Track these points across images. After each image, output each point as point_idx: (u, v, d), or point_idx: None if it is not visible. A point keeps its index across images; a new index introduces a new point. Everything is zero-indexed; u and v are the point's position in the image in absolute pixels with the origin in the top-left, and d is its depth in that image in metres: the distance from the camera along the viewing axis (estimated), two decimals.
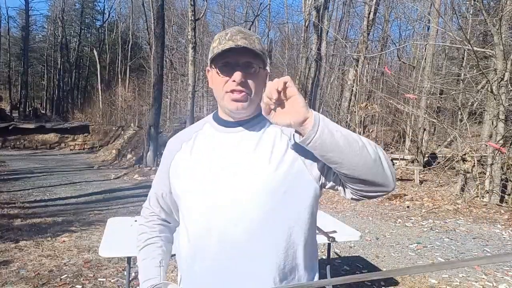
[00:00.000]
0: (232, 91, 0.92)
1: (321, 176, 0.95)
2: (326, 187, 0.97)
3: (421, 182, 8.62)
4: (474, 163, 7.19)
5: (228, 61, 0.93)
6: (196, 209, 0.95)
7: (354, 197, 0.93)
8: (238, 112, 0.95)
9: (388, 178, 0.87)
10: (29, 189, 7.46)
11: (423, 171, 9.59)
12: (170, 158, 1.05)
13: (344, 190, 0.94)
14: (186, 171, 0.99)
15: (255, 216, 0.90)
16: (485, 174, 6.98)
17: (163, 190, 1.08)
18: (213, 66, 0.97)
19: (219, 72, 0.94)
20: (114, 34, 33.86)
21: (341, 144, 0.83)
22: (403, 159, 10.83)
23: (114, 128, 19.05)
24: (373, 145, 0.87)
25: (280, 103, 0.84)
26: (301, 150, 0.91)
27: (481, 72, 7.04)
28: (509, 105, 6.61)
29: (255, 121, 0.99)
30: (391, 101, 9.20)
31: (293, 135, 0.88)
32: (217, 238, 0.91)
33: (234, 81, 0.92)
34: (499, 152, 6.42)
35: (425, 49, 12.06)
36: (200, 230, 0.93)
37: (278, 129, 0.96)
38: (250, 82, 0.93)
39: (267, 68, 1.00)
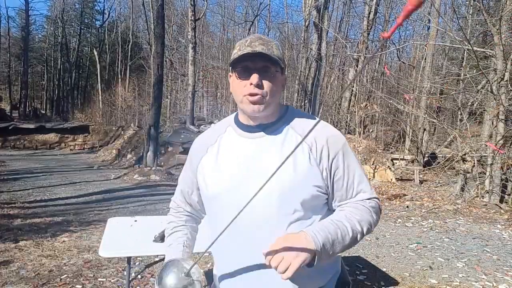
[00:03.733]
0: (250, 94, 0.97)
1: (329, 187, 1.04)
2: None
3: (421, 182, 8.62)
4: (474, 163, 7.19)
5: (246, 65, 0.98)
6: (224, 212, 1.02)
7: None
8: (255, 114, 1.01)
9: (363, 231, 1.01)
10: (29, 189, 7.46)
11: (423, 171, 9.59)
12: (197, 160, 1.12)
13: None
14: (212, 177, 1.06)
15: (279, 220, 0.97)
16: (485, 174, 6.98)
17: (190, 188, 1.17)
18: (232, 71, 1.02)
19: (237, 76, 1.00)
20: (114, 34, 33.86)
21: (337, 253, 0.96)
22: (403, 159, 10.83)
23: (114, 128, 19.06)
24: (359, 231, 0.99)
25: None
26: (323, 160, 1.00)
27: (481, 72, 7.04)
28: (509, 105, 6.61)
29: (276, 125, 1.04)
30: (391, 101, 9.20)
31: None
32: (243, 240, 1.00)
33: (251, 84, 0.97)
34: (498, 152, 6.42)
35: (425, 49, 12.06)
36: (227, 232, 0.95)
37: (298, 136, 1.01)
38: (266, 84, 0.98)
39: (285, 73, 1.06)
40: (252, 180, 0.98)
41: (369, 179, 1.09)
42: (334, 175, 1.01)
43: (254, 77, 0.96)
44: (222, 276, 1.11)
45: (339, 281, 1.10)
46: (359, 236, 0.99)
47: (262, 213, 0.97)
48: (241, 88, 0.99)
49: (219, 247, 1.06)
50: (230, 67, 1.03)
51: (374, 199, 1.05)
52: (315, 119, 1.06)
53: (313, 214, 1.01)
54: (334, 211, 1.07)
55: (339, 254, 1.02)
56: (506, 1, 6.76)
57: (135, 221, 2.72)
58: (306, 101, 17.50)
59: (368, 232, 1.02)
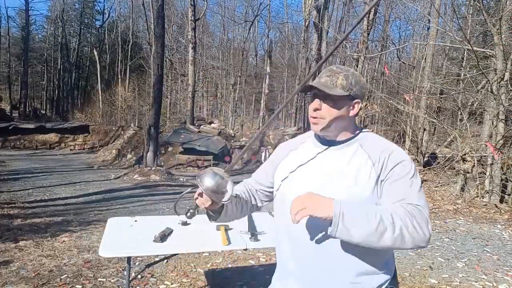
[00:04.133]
0: (311, 116, 1.19)
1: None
2: None
3: (421, 182, 8.61)
4: (474, 163, 7.19)
5: (313, 92, 1.18)
6: (284, 207, 1.17)
7: None
8: (316, 133, 1.22)
9: (413, 246, 1.03)
10: (29, 189, 7.45)
11: (423, 171, 9.59)
12: (278, 161, 1.32)
13: None
14: (286, 178, 1.24)
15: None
16: (485, 174, 6.97)
17: (262, 181, 1.39)
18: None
19: (308, 100, 1.23)
20: (114, 34, 33.84)
21: (356, 239, 1.01)
22: None
23: (114, 128, 19.04)
24: (397, 227, 1.00)
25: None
26: (381, 176, 1.11)
27: (481, 72, 7.04)
28: (509, 105, 6.61)
29: (346, 143, 1.20)
30: (391, 101, 9.20)
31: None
32: (299, 245, 1.16)
33: (312, 108, 1.18)
34: (498, 152, 6.42)
35: (425, 49, 12.06)
36: (293, 230, 1.15)
37: (366, 155, 1.15)
38: (324, 109, 1.16)
39: (358, 99, 1.19)
40: (316, 185, 1.13)
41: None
42: (386, 183, 1.10)
43: (314, 103, 1.17)
44: (278, 276, 1.28)
45: (388, 286, 1.16)
46: (389, 228, 0.98)
47: (318, 223, 1.06)
48: (309, 110, 1.19)
49: (278, 244, 1.27)
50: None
51: (419, 206, 1.06)
52: (389, 142, 1.21)
53: None
54: None
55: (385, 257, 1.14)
56: (506, 1, 6.76)
57: (135, 221, 2.72)
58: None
59: (402, 234, 0.99)
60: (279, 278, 1.28)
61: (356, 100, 1.18)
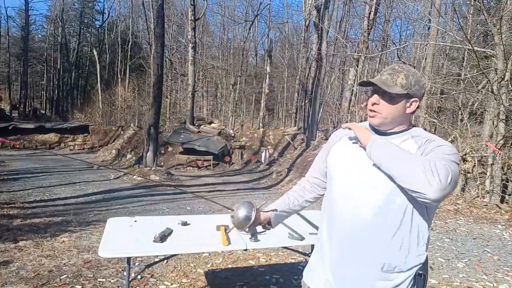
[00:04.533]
0: (369, 109, 1.28)
1: None
2: None
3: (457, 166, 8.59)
4: (475, 163, 7.18)
5: (374, 88, 1.26)
6: (333, 192, 1.31)
7: None
8: (373, 125, 1.30)
9: (426, 189, 1.09)
10: (28, 189, 7.44)
11: None
12: (331, 144, 1.43)
13: None
14: (336, 160, 1.35)
15: (373, 207, 1.20)
16: (486, 174, 6.96)
17: (317, 164, 1.51)
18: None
19: (368, 95, 1.32)
20: (113, 34, 33.84)
21: (385, 162, 1.17)
22: None
23: (113, 128, 19.04)
24: (422, 160, 1.13)
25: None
26: (424, 154, 1.21)
27: (481, 72, 7.03)
28: (509, 105, 6.60)
29: (396, 135, 1.28)
30: None
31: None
32: (345, 213, 1.26)
33: (371, 102, 1.27)
34: (498, 152, 6.41)
35: (426, 49, 12.05)
36: (334, 204, 1.29)
37: (413, 141, 1.24)
38: (382, 104, 1.24)
39: (417, 97, 1.26)
40: (355, 169, 1.26)
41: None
42: (424, 154, 1.19)
43: (373, 98, 1.25)
44: (317, 255, 1.38)
45: (418, 271, 1.24)
46: (423, 165, 1.09)
47: (356, 206, 1.22)
48: (368, 103, 1.29)
49: (322, 230, 1.37)
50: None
51: (448, 164, 1.13)
52: (434, 135, 1.29)
53: (400, 198, 1.19)
54: None
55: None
56: (507, 1, 6.75)
57: (135, 221, 2.70)
58: (306, 101, 17.50)
59: (424, 166, 1.09)
60: (315, 257, 1.40)
61: (414, 99, 1.24)
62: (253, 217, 1.46)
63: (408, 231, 1.19)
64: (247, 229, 1.41)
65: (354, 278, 1.23)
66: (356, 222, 1.22)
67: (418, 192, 1.09)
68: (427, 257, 1.28)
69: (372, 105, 1.26)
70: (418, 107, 1.27)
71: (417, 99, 1.25)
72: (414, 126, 1.32)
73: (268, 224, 1.50)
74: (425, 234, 1.24)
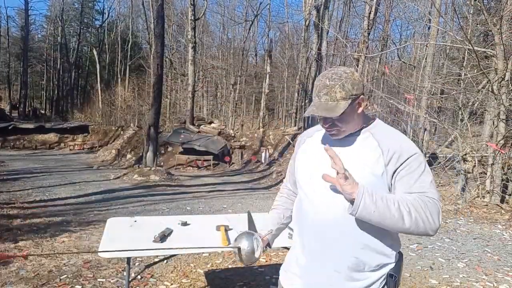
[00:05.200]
0: (326, 130, 1.25)
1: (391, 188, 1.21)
2: None
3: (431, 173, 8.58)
4: (475, 163, 7.17)
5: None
6: (302, 194, 1.30)
7: None
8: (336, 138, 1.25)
9: (425, 234, 1.13)
10: (28, 189, 7.44)
11: None
12: (298, 147, 1.41)
13: None
14: (303, 164, 1.33)
15: (340, 208, 1.17)
16: (486, 174, 6.96)
17: (291, 170, 1.47)
18: None
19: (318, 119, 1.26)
20: (113, 33, 33.83)
21: (376, 221, 1.10)
22: None
23: (113, 128, 19.04)
24: (413, 216, 1.09)
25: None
26: (390, 165, 1.17)
27: (481, 72, 7.02)
28: (509, 105, 6.59)
29: (356, 133, 1.25)
30: (391, 101, 9.18)
31: (350, 206, 1.13)
32: (314, 214, 1.23)
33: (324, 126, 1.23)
34: (499, 152, 6.41)
35: (426, 49, 12.05)
36: (304, 205, 1.28)
37: (375, 143, 1.20)
38: (338, 122, 1.20)
39: (360, 96, 1.21)
40: (320, 171, 1.19)
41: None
42: (398, 175, 1.15)
43: (325, 125, 1.22)
44: (289, 264, 1.37)
45: (388, 273, 1.24)
46: (405, 214, 1.08)
47: (331, 210, 1.19)
48: (320, 123, 1.26)
49: (295, 229, 1.36)
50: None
51: (434, 199, 1.13)
52: (399, 132, 1.26)
53: None
54: None
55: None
56: (507, 1, 6.74)
57: (135, 221, 2.70)
58: (306, 101, 17.50)
59: (417, 223, 1.08)
60: (289, 256, 1.39)
61: (359, 99, 1.21)
62: (259, 249, 1.37)
63: (375, 230, 1.16)
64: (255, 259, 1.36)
65: (324, 282, 1.22)
66: (324, 224, 1.20)
67: (418, 235, 1.13)
68: (400, 258, 1.27)
69: (328, 128, 1.22)
70: (367, 99, 1.26)
71: (362, 97, 1.21)
72: (368, 118, 1.28)
73: (267, 246, 1.48)
74: (394, 233, 1.23)
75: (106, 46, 33.38)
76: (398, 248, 1.27)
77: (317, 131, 1.36)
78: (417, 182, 1.14)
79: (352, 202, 1.09)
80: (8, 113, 25.61)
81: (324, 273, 1.22)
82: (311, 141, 1.36)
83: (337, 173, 1.09)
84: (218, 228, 2.49)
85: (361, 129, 1.24)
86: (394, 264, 1.25)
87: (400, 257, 1.28)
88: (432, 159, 10.38)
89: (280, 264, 1.45)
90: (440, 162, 8.78)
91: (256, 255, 1.34)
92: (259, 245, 1.36)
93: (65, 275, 3.24)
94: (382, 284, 1.22)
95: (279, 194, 1.57)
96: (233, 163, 14.05)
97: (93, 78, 33.91)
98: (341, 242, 1.19)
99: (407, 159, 1.15)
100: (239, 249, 1.34)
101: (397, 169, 1.15)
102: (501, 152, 6.39)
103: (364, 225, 1.15)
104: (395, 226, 1.10)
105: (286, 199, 1.52)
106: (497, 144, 6.42)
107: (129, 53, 29.36)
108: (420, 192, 1.13)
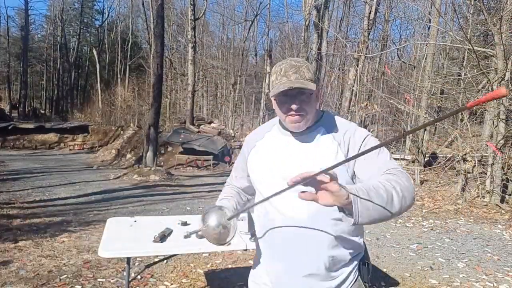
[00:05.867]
0: (291, 114, 1.16)
1: (353, 180, 1.18)
2: None
3: (421, 182, 8.61)
4: (475, 163, 7.18)
5: (285, 93, 1.15)
6: (264, 193, 1.22)
7: None
8: (298, 130, 1.20)
9: (410, 203, 1.06)
10: (28, 189, 7.44)
11: (424, 171, 9.58)
12: (247, 152, 1.35)
13: None
14: (259, 166, 1.28)
15: (307, 209, 1.14)
16: (486, 174, 6.96)
17: (239, 173, 1.43)
18: (273, 98, 1.19)
19: (278, 103, 1.18)
20: (113, 33, 33.83)
21: (374, 217, 0.99)
22: (403, 159, 10.81)
23: (113, 128, 19.03)
24: (399, 193, 1.01)
25: (318, 186, 0.92)
26: (346, 154, 1.16)
27: (481, 72, 7.02)
28: (509, 105, 6.59)
29: (312, 128, 1.22)
30: (391, 101, 9.19)
31: (344, 217, 0.99)
32: (281, 219, 1.19)
33: (291, 109, 1.15)
34: (496, 154, 6.41)
35: (426, 49, 12.04)
36: (269, 211, 1.22)
37: (330, 136, 1.19)
38: (304, 105, 1.16)
39: (318, 86, 1.20)
40: (282, 170, 1.17)
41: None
42: (358, 161, 1.14)
43: (294, 106, 1.14)
44: (258, 266, 1.31)
45: (361, 261, 1.24)
46: (394, 193, 0.99)
47: (300, 212, 1.15)
48: (283, 109, 1.18)
49: (260, 238, 1.28)
50: (270, 95, 1.19)
51: (400, 168, 1.11)
52: (348, 122, 1.26)
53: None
54: None
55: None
56: (507, 1, 6.74)
57: (135, 221, 2.70)
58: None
59: (402, 196, 1.00)
60: (254, 275, 1.34)
61: (319, 89, 1.19)
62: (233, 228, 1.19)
63: (342, 224, 1.13)
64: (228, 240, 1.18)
65: (300, 287, 1.19)
66: (294, 228, 1.16)
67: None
68: (365, 246, 1.28)
69: (296, 111, 1.14)
70: (361, 108, 1.21)
71: (318, 87, 1.18)
72: (322, 113, 1.26)
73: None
74: (353, 230, 1.21)
75: (106, 46, 33.37)
76: (363, 236, 1.27)
77: (267, 132, 1.31)
78: (379, 160, 1.12)
79: (343, 209, 0.96)
80: (8, 113, 25.61)
81: (300, 279, 1.18)
82: (263, 143, 1.29)
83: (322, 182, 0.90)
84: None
85: (315, 123, 1.22)
86: (364, 252, 1.26)
87: (364, 244, 1.27)
88: (432, 159, 10.39)
89: None
90: (440, 162, 8.78)
91: (231, 234, 1.18)
92: (230, 222, 1.17)
93: (65, 275, 3.24)
94: (356, 274, 1.22)
95: (224, 189, 1.47)
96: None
97: (93, 78, 33.89)
98: (316, 244, 1.15)
99: (362, 142, 1.15)
100: (207, 227, 1.16)
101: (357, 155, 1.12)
102: (498, 154, 6.40)
103: (334, 221, 1.13)
104: (392, 210, 0.99)
105: (235, 192, 1.43)
106: (496, 145, 6.42)
107: (129, 53, 29.35)
108: (384, 169, 1.09)
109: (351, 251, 1.21)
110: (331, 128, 1.21)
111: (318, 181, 0.89)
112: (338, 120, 1.25)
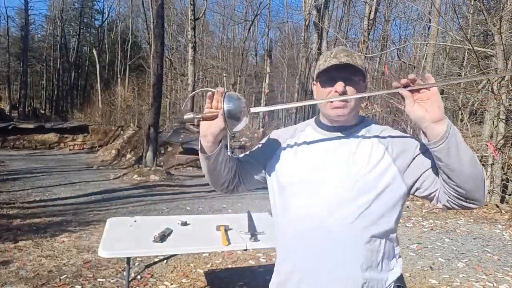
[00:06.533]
0: (334, 102, 1.06)
1: (415, 185, 1.06)
2: (419, 195, 1.08)
3: None
4: None
5: (332, 75, 1.06)
6: (299, 198, 1.08)
7: (447, 205, 1.03)
8: (338, 118, 1.09)
9: (484, 195, 0.98)
10: (28, 189, 7.43)
11: None
12: (273, 148, 1.19)
13: (438, 198, 1.04)
14: (290, 167, 1.13)
15: (347, 211, 1.02)
16: (486, 174, 6.96)
17: (252, 158, 1.22)
18: (317, 81, 1.11)
19: (321, 85, 1.09)
20: (113, 33, 33.82)
21: (462, 155, 0.92)
22: None
23: (113, 128, 19.02)
24: (480, 164, 0.97)
25: (416, 95, 0.94)
26: (399, 159, 1.05)
27: (481, 72, 7.02)
28: (509, 105, 6.60)
29: (353, 129, 1.12)
30: (391, 101, 9.18)
31: (421, 135, 0.98)
32: (314, 225, 1.05)
33: (336, 91, 1.05)
34: (495, 153, 6.41)
35: (426, 49, 12.04)
36: (301, 215, 1.07)
37: (375, 139, 1.09)
38: (350, 91, 1.05)
39: (366, 81, 1.11)
40: (323, 172, 1.06)
41: None
42: (417, 160, 1.04)
43: (340, 85, 1.04)
44: (286, 264, 1.14)
45: (395, 285, 1.09)
46: (478, 162, 0.96)
47: (333, 201, 1.03)
48: (325, 95, 1.08)
49: (289, 231, 1.11)
50: (315, 77, 1.12)
51: None
52: (389, 127, 1.15)
53: (382, 208, 1.04)
54: (441, 201, 1.05)
55: None
56: (507, 1, 6.74)
57: (135, 221, 2.70)
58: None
59: (481, 170, 0.97)
60: (279, 283, 1.16)
61: (366, 82, 1.11)
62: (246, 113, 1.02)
63: (379, 243, 1.04)
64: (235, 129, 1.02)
65: None
66: (326, 239, 1.04)
67: (476, 200, 0.97)
68: (401, 268, 1.14)
69: (341, 94, 1.04)
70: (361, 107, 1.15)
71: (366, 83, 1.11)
72: (363, 117, 1.17)
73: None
74: (395, 244, 1.12)
75: (106, 46, 33.35)
76: (399, 257, 1.13)
77: (301, 131, 1.19)
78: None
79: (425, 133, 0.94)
80: (8, 113, 25.59)
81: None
82: (296, 141, 1.17)
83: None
84: (218, 228, 2.50)
85: (358, 123, 1.13)
86: (399, 276, 1.10)
87: (401, 265, 1.13)
88: None
89: None
90: None
91: (239, 126, 1.02)
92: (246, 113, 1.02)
93: (65, 275, 3.24)
94: None
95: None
96: None
97: (93, 78, 33.88)
98: (349, 267, 1.03)
99: (415, 148, 1.06)
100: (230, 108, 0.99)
101: (410, 163, 1.04)
102: (495, 156, 6.40)
103: (369, 234, 1.02)
104: (470, 170, 0.93)
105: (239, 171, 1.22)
106: (496, 145, 6.42)
107: (129, 53, 29.33)
108: None
109: (385, 273, 1.06)
110: (375, 131, 1.11)
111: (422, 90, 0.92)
112: (381, 126, 1.16)
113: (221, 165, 1.12)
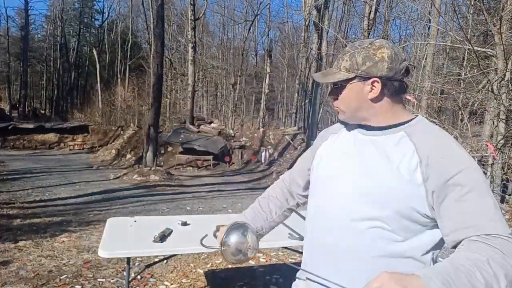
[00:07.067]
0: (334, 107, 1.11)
1: (434, 217, 0.94)
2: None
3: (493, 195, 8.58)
4: None
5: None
6: (320, 196, 1.08)
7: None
8: (342, 120, 1.11)
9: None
10: (28, 189, 7.44)
11: None
12: (318, 144, 1.19)
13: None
14: (324, 161, 1.12)
15: (351, 225, 0.97)
16: (486, 174, 6.96)
17: (300, 168, 1.26)
18: None
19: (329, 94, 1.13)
20: (113, 33, 33.84)
21: None
22: None
23: (113, 128, 19.04)
24: (491, 274, 0.78)
25: None
26: (430, 182, 0.89)
27: (481, 72, 7.02)
28: (509, 105, 6.59)
29: (390, 130, 1.01)
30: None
31: None
32: (318, 237, 1.06)
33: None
34: (495, 154, 6.41)
35: (426, 49, 12.05)
36: (315, 216, 1.08)
37: (413, 147, 0.94)
38: (340, 99, 1.05)
39: (371, 78, 0.99)
40: (345, 173, 1.02)
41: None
42: (440, 198, 0.88)
43: (331, 100, 1.09)
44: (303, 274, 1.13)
45: None
46: (494, 283, 0.77)
47: (336, 213, 1.00)
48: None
49: (305, 241, 1.15)
50: None
51: (504, 236, 0.84)
52: (447, 136, 0.97)
53: (404, 232, 0.93)
54: (452, 247, 0.96)
55: None
56: (507, 1, 6.74)
57: (135, 221, 2.70)
58: (306, 101, 17.51)
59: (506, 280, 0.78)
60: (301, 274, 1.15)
61: (371, 80, 0.98)
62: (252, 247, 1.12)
63: (392, 262, 0.94)
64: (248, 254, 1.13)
65: None
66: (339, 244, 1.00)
67: None
68: None
69: (333, 101, 1.08)
70: (385, 87, 0.98)
71: (376, 79, 0.97)
72: (405, 114, 1.02)
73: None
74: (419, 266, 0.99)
75: (106, 46, 33.37)
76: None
77: (344, 127, 1.14)
78: (476, 210, 0.86)
79: None
80: (8, 113, 25.61)
81: None
82: (337, 136, 1.14)
83: None
84: (218, 228, 2.49)
85: (395, 126, 1.00)
86: None
87: None
88: None
89: (281, 264, 1.42)
90: None
91: (249, 254, 1.12)
92: (253, 241, 1.12)
93: (65, 275, 3.24)
94: None
95: (270, 188, 1.33)
96: (233, 163, 14.05)
97: (93, 78, 33.88)
98: (361, 271, 0.96)
99: (455, 175, 0.87)
100: (229, 246, 1.10)
101: (442, 189, 0.88)
102: (495, 156, 6.40)
103: (380, 250, 0.95)
104: None
105: (280, 194, 1.28)
106: (496, 145, 6.42)
107: (129, 53, 29.34)
108: (481, 226, 0.86)
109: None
110: (417, 136, 0.95)
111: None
112: (431, 129, 0.98)
113: (276, 222, 1.28)
